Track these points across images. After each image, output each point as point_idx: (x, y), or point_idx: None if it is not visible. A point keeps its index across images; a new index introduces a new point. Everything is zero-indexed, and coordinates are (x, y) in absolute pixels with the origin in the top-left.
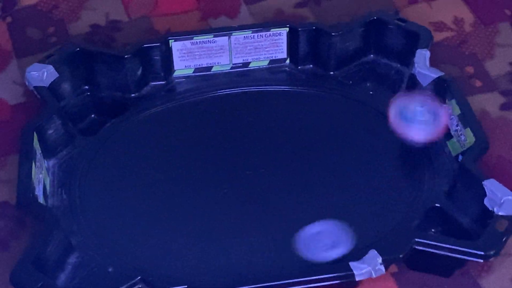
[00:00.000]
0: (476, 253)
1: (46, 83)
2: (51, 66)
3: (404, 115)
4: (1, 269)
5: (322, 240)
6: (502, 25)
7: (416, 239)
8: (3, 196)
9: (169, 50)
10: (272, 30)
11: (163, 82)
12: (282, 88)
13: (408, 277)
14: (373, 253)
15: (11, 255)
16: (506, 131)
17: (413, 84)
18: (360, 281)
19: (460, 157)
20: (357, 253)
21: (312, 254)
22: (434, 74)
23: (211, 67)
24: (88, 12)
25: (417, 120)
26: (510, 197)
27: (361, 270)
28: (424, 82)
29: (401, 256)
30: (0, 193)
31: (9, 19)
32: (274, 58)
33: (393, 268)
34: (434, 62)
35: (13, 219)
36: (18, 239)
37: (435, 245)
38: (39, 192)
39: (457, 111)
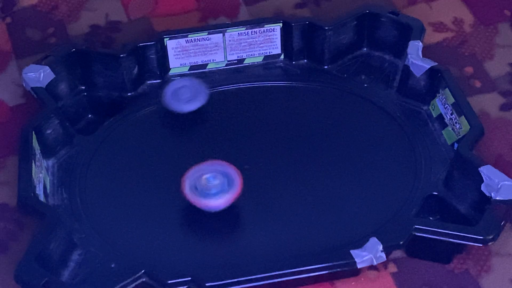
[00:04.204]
0: (476, 238)
1: (43, 84)
2: (47, 67)
3: (198, 189)
4: (0, 271)
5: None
6: (502, 25)
7: (416, 226)
8: (2, 198)
9: (164, 49)
10: (265, 26)
11: (159, 81)
12: (278, 83)
13: (408, 277)
14: (373, 240)
15: (10, 257)
16: (505, 131)
17: (407, 75)
18: (360, 272)
19: (456, 145)
20: (358, 241)
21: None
22: (427, 64)
23: (206, 64)
24: (88, 12)
25: (211, 192)
26: (507, 182)
27: (362, 257)
28: (418, 72)
29: (401, 243)
30: None
31: (8, 19)
32: (268, 54)
33: (393, 268)
34: None
35: (12, 221)
36: (17, 241)
37: (435, 231)
38: (39, 191)
39: (451, 99)
